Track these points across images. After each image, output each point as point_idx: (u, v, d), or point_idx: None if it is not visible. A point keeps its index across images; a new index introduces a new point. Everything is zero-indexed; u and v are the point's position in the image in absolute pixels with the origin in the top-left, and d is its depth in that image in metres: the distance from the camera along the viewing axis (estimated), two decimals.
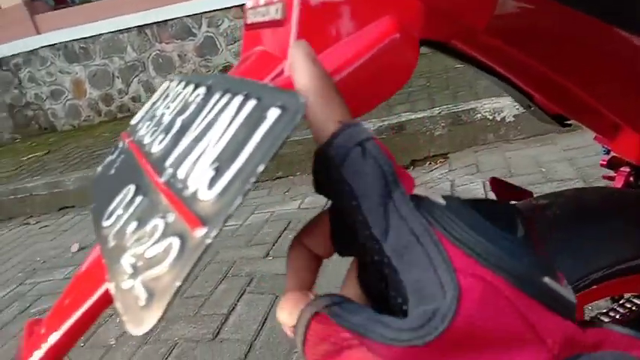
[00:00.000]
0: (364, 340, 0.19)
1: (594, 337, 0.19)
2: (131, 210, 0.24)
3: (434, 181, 2.32)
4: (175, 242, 0.19)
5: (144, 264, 0.20)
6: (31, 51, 4.99)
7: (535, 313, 0.18)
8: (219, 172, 0.20)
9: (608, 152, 0.64)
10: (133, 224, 0.22)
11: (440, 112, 2.50)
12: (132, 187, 0.25)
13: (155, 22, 4.59)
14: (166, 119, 0.29)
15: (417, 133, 2.50)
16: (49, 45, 4.91)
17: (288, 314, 0.23)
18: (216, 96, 0.24)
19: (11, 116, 5.37)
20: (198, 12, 4.47)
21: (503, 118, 2.46)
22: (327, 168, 0.22)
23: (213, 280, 1.90)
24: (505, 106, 2.45)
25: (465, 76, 3.11)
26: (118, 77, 4.87)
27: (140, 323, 0.18)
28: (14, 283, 2.36)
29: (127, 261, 0.21)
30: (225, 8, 4.43)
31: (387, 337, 0.19)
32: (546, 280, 0.19)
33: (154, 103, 0.37)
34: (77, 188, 3.18)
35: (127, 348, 1.63)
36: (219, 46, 4.59)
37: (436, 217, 0.20)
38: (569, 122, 0.57)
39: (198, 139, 0.23)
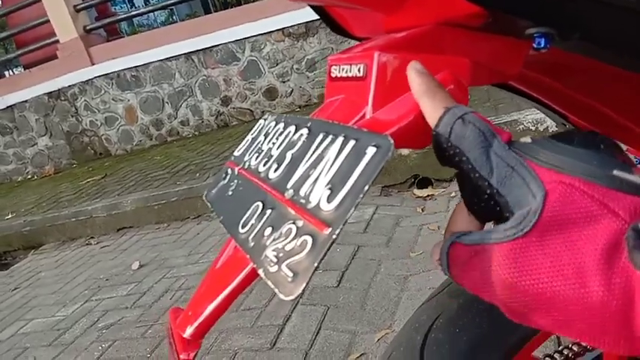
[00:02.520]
0: (484, 246, 0.27)
1: None
2: (264, 219, 0.33)
3: None
4: (309, 239, 0.28)
5: (284, 255, 0.29)
6: (86, 81, 5.32)
7: (606, 195, 0.25)
8: (333, 191, 0.29)
9: None
10: (269, 229, 0.32)
11: None
12: (259, 204, 0.35)
13: (201, 49, 4.82)
14: (275, 153, 0.39)
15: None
16: (103, 75, 5.23)
17: (436, 254, 0.32)
18: (320, 137, 0.34)
19: (68, 143, 5.72)
20: (242, 37, 4.68)
21: (546, 129, 2.48)
22: (440, 142, 0.30)
23: (267, 292, 2.00)
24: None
25: None
26: (167, 103, 5.13)
27: (290, 293, 0.27)
28: (81, 299, 2.53)
29: (270, 253, 0.30)
30: (267, 33, 4.62)
31: (498, 237, 0.26)
32: (615, 172, 0.26)
33: (255, 139, 0.47)
34: (134, 209, 3.37)
35: None
36: (262, 69, 4.78)
37: (524, 150, 0.28)
38: None
39: (311, 168, 0.32)
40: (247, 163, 0.43)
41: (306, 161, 0.33)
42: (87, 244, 3.42)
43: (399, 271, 1.94)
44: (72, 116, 5.54)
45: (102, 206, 3.49)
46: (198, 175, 3.50)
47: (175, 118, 5.19)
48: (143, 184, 3.71)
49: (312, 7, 0.49)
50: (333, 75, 0.41)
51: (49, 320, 2.39)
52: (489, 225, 0.31)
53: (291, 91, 4.81)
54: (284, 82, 4.80)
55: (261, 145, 0.43)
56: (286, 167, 0.35)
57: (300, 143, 0.36)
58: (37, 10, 5.34)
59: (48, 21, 5.33)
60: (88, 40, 5.28)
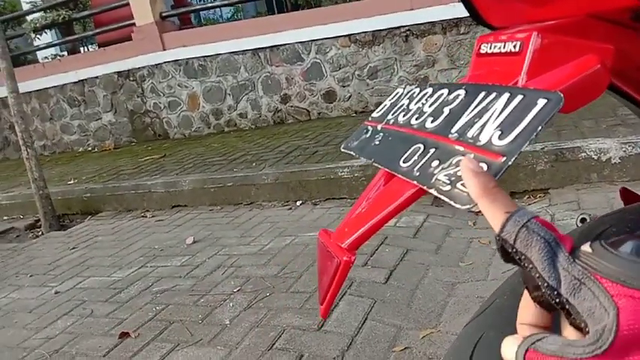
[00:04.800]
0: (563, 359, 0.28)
1: None
2: (428, 156, 0.41)
3: None
4: (483, 165, 0.35)
5: (457, 178, 0.36)
6: (155, 65, 5.58)
7: None
8: (504, 132, 0.36)
9: None
10: (435, 162, 0.39)
11: (543, 148, 2.56)
12: (420, 145, 0.43)
13: (268, 47, 4.99)
14: (428, 110, 0.46)
15: (518, 167, 2.57)
16: (172, 61, 5.47)
17: (509, 354, 0.32)
18: (481, 94, 0.41)
19: (131, 122, 6.00)
20: (309, 39, 4.81)
21: (609, 159, 2.47)
22: (505, 246, 0.31)
23: (315, 280, 2.06)
24: (611, 147, 2.46)
25: (570, 115, 3.13)
26: (229, 94, 5.32)
27: (468, 203, 0.34)
28: (137, 265, 2.67)
29: (442, 178, 0.37)
30: (334, 37, 4.74)
31: (577, 353, 0.27)
32: None
33: (395, 103, 0.54)
34: (191, 189, 3.52)
35: (240, 329, 1.83)
36: (324, 72, 4.89)
37: (589, 262, 0.29)
38: None
39: (476, 117, 0.39)
40: (392, 120, 0.51)
41: (469, 113, 0.41)
42: (142, 217, 3.60)
43: (447, 278, 1.98)
44: (137, 97, 5.81)
45: (161, 182, 3.66)
46: (254, 164, 3.62)
47: (235, 110, 5.37)
48: (201, 167, 3.87)
49: None
50: (482, 51, 0.48)
51: (106, 280, 2.55)
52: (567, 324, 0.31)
53: (350, 96, 4.90)
54: (344, 86, 4.89)
55: (407, 106, 0.51)
56: (445, 118, 0.43)
57: (458, 101, 0.43)
58: None
59: (127, 4, 5.63)
60: (162, 26, 5.54)
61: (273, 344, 1.69)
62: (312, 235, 2.62)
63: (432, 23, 4.42)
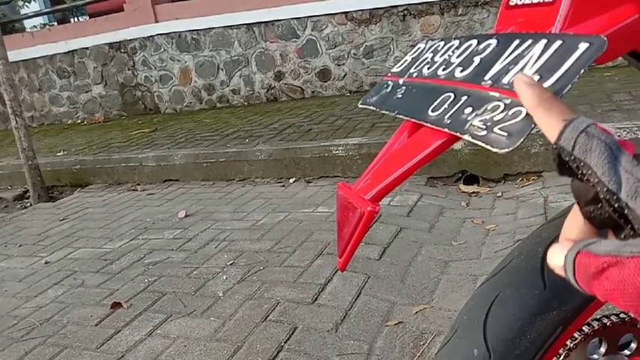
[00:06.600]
0: (618, 259, 0.27)
1: None
2: (460, 103, 0.40)
3: (525, 196, 2.39)
4: (522, 109, 0.34)
5: (494, 123, 0.35)
6: (147, 37, 5.48)
7: None
8: (543, 77, 0.35)
9: None
10: (469, 109, 0.38)
11: (538, 131, 2.55)
12: (450, 94, 0.41)
13: (263, 22, 4.91)
14: (455, 60, 0.45)
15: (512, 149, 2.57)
16: (165, 33, 5.37)
17: (556, 260, 0.31)
18: (515, 42, 0.40)
19: (121, 95, 5.90)
20: (305, 15, 4.75)
21: None
22: (562, 155, 0.30)
23: (309, 255, 2.08)
24: None
25: (565, 99, 3.13)
26: (222, 69, 5.25)
27: (507, 146, 0.33)
28: (128, 237, 2.65)
29: (477, 123, 0.36)
30: (331, 14, 4.68)
31: (635, 251, 0.26)
32: None
33: (417, 57, 0.53)
34: (183, 164, 3.49)
35: (233, 301, 1.83)
36: (319, 49, 4.84)
37: None
38: None
39: (511, 64, 0.38)
40: (416, 73, 0.50)
41: (503, 60, 0.39)
42: (133, 190, 3.56)
43: (440, 256, 1.99)
44: (128, 69, 5.71)
45: (152, 156, 3.62)
46: (247, 141, 3.59)
47: (227, 86, 5.31)
48: (193, 142, 3.83)
49: None
50: (511, 3, 0.47)
51: (97, 251, 2.53)
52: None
53: (345, 75, 4.86)
54: (339, 65, 4.85)
55: (431, 58, 0.50)
56: (476, 67, 0.42)
57: (489, 50, 0.42)
58: None
59: None
60: None
61: (267, 316, 1.69)
62: (305, 212, 2.61)
63: (430, 3, 4.38)
